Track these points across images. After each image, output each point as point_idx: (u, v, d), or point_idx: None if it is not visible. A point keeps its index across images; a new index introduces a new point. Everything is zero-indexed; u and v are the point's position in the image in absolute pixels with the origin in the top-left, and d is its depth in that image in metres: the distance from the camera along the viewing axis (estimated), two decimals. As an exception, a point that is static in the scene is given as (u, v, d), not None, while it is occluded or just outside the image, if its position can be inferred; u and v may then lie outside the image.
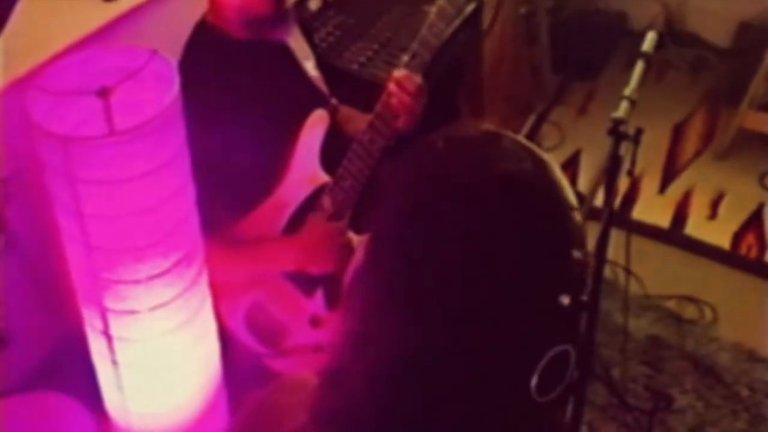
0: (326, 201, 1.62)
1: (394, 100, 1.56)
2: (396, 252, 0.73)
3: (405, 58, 1.58)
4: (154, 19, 1.80)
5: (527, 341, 0.72)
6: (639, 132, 1.42)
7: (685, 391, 2.22)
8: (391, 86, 1.57)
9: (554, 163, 0.77)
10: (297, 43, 1.65)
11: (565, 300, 0.71)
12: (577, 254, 0.73)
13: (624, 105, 1.43)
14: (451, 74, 2.25)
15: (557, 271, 0.73)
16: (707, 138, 3.02)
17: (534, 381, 0.71)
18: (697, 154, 2.97)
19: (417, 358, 0.71)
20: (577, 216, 0.75)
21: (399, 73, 1.57)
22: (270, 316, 1.63)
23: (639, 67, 1.51)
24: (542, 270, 0.72)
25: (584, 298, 0.73)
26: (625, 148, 1.40)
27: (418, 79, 1.57)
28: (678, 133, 3.06)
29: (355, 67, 2.04)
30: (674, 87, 3.24)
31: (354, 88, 1.93)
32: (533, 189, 0.74)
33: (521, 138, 0.78)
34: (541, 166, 0.76)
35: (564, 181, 0.76)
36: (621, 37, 3.28)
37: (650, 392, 2.18)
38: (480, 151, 0.75)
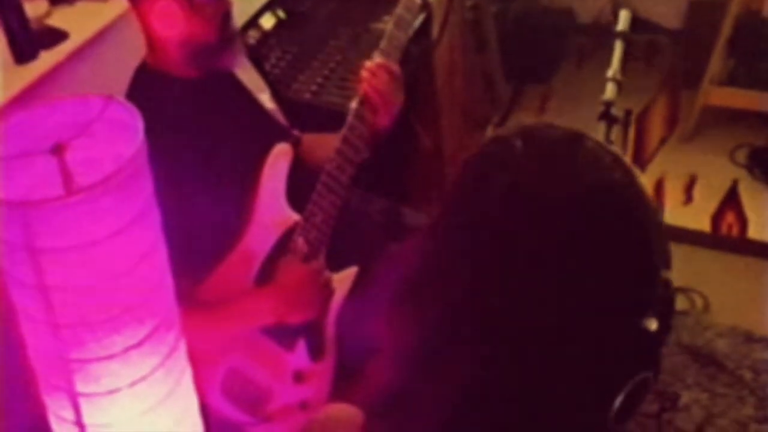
0: (299, 241, 1.58)
1: (371, 93, 1.53)
2: (462, 266, 0.70)
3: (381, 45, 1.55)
4: (84, 72, 1.74)
5: (608, 368, 0.69)
6: (629, 114, 1.44)
7: (688, 386, 2.22)
8: (365, 74, 1.54)
9: (637, 171, 0.73)
10: (248, 74, 1.65)
11: (652, 325, 0.68)
12: (665, 275, 0.71)
13: (611, 87, 1.46)
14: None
15: (645, 293, 0.70)
16: (672, 123, 3.06)
17: (614, 410, 0.69)
18: (664, 140, 3.00)
19: (490, 382, 0.68)
20: (664, 232, 0.72)
21: (372, 61, 1.54)
22: (249, 380, 1.58)
23: (618, 47, 1.56)
24: (629, 292, 0.69)
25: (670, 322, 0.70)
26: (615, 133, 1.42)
27: (393, 65, 1.55)
28: (641, 123, 3.09)
29: (307, 96, 2.02)
30: (631, 76, 3.26)
31: (309, 119, 1.91)
32: (623, 203, 0.70)
33: (602, 141, 0.74)
34: (630, 176, 0.72)
35: (649, 193, 0.73)
36: (570, 33, 3.32)
37: (653, 394, 2.17)
38: (564, 157, 0.71)
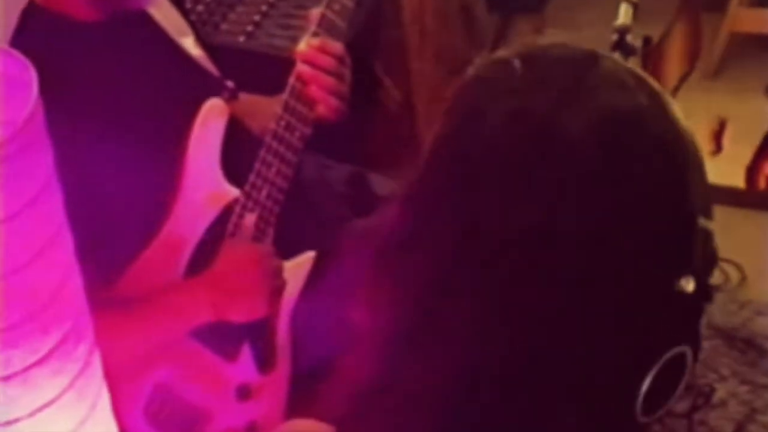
0: (245, 220, 1.58)
1: (311, 87, 1.54)
2: (456, 213, 0.71)
3: (318, 10, 1.55)
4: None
5: (635, 340, 0.69)
6: (648, 42, 1.45)
7: (723, 378, 2.24)
8: (302, 68, 1.54)
9: (670, 97, 0.73)
10: (166, 14, 1.60)
11: (689, 285, 0.69)
12: (703, 223, 0.71)
13: (625, 9, 1.46)
14: (362, 35, 2.23)
15: (680, 246, 0.70)
16: (693, 55, 3.08)
17: (641, 395, 0.69)
18: (684, 77, 3.02)
19: (490, 361, 0.69)
20: (704, 173, 0.72)
21: (309, 44, 1.54)
22: (181, 399, 1.58)
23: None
24: (661, 244, 0.69)
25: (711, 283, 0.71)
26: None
27: (337, 47, 1.55)
28: (656, 57, 3.10)
29: (240, 39, 2.02)
30: (643, 1, 3.30)
31: (245, 68, 1.89)
32: (651, 133, 0.70)
33: (627, 62, 0.75)
34: (659, 101, 0.72)
35: (685, 123, 0.72)
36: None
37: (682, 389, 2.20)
38: (576, 79, 0.71)
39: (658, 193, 0.70)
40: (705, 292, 0.71)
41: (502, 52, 0.76)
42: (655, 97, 0.72)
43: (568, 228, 0.68)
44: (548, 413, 0.69)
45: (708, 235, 0.72)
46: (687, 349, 0.71)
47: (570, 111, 0.69)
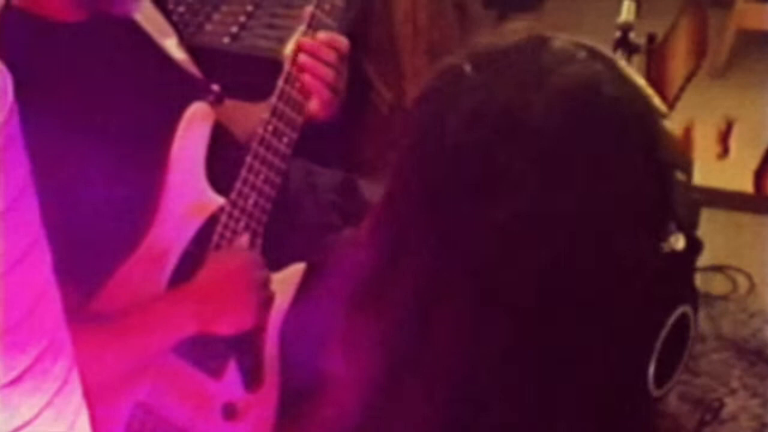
0: (229, 228, 1.58)
1: (307, 78, 1.55)
2: (428, 233, 0.72)
3: (309, 8, 1.56)
4: None
5: (634, 313, 0.70)
6: (652, 39, 1.46)
7: (732, 391, 2.24)
8: (303, 58, 1.55)
9: (622, 62, 0.77)
10: (148, 15, 1.60)
11: (678, 242, 0.70)
12: (681, 177, 0.73)
13: (628, 5, 1.47)
14: (352, 34, 2.24)
15: (661, 203, 0.72)
16: (699, 52, 3.08)
17: (652, 365, 0.70)
18: (690, 76, 3.02)
19: (484, 376, 0.71)
20: (669, 129, 0.74)
21: (315, 37, 1.56)
22: (163, 418, 1.57)
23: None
24: (641, 204, 0.71)
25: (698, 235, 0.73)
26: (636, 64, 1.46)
27: (344, 42, 1.58)
28: (661, 55, 3.11)
29: (225, 41, 2.03)
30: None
31: (230, 71, 1.93)
32: (611, 97, 0.73)
33: (583, 40, 0.77)
34: (614, 67, 0.75)
35: (646, 85, 0.75)
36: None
37: (689, 403, 2.20)
38: (527, 64, 0.73)
39: (630, 152, 0.72)
40: (694, 245, 0.73)
41: (449, 59, 0.78)
42: (608, 63, 0.75)
43: (548, 211, 0.69)
44: (556, 411, 0.71)
45: (687, 188, 0.74)
46: (688, 308, 0.72)
47: (528, 96, 0.71)
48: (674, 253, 0.71)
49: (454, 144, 0.72)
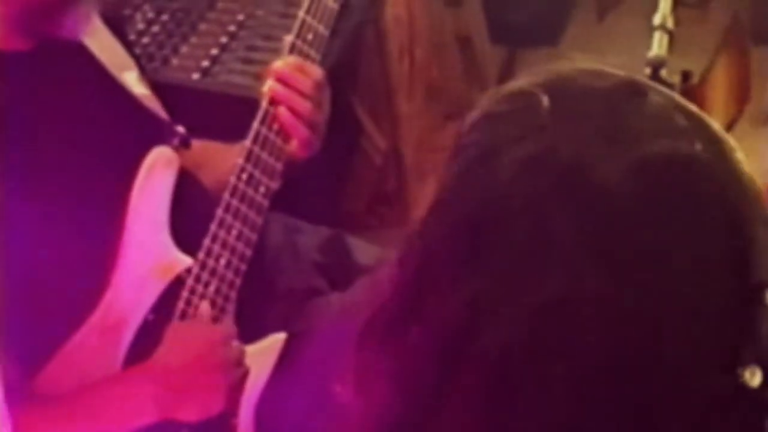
0: (195, 299, 1.57)
1: (281, 111, 1.55)
2: (464, 279, 0.71)
3: (289, 39, 1.58)
4: None
5: None
6: (687, 77, 1.47)
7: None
8: (274, 86, 1.55)
9: (732, 142, 0.73)
10: (104, 45, 1.61)
11: (754, 378, 0.68)
12: None
13: (659, 38, 1.48)
14: (339, 70, 2.25)
15: (742, 328, 0.69)
16: (741, 96, 3.10)
17: None
18: (731, 122, 3.03)
19: None
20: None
21: (284, 62, 1.57)
22: None
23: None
24: (716, 327, 0.69)
25: None
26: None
27: (316, 70, 1.58)
28: (697, 97, 3.12)
29: (195, 76, 2.04)
30: (680, 30, 3.33)
31: (199, 111, 1.93)
32: (706, 188, 0.70)
33: (680, 98, 0.75)
34: (719, 149, 0.72)
35: (750, 176, 0.72)
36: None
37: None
38: (612, 115, 0.72)
39: (715, 261, 0.69)
40: None
41: (519, 83, 0.76)
42: (713, 144, 0.72)
43: (599, 302, 0.67)
44: None
45: None
46: None
47: (606, 156, 0.69)
48: (746, 389, 0.68)
49: (507, 187, 0.71)
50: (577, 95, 0.74)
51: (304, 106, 1.57)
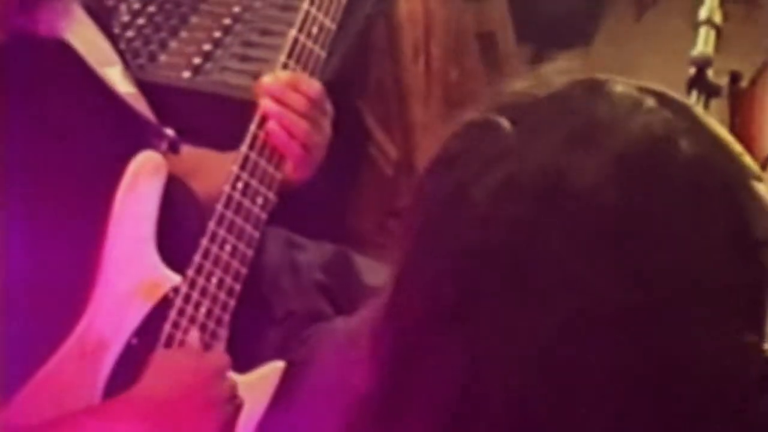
0: (183, 323, 1.57)
1: (274, 133, 1.56)
2: (445, 348, 0.72)
3: (292, 34, 1.58)
4: None
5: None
6: (736, 79, 1.46)
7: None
8: (266, 103, 1.56)
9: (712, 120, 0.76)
10: (88, 39, 1.62)
11: None
12: None
13: (705, 34, 1.47)
14: (347, 70, 2.26)
15: (756, 296, 0.71)
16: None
17: None
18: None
19: None
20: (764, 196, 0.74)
21: (276, 77, 1.57)
22: None
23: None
24: (729, 299, 0.71)
25: None
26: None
27: (313, 86, 1.58)
28: (748, 101, 3.10)
29: (185, 75, 2.04)
30: (729, 27, 3.33)
31: (190, 113, 1.93)
32: (685, 157, 0.72)
33: (650, 84, 0.77)
34: (694, 119, 0.75)
35: (733, 141, 0.75)
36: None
37: None
38: (577, 117, 0.74)
39: (713, 229, 0.71)
40: None
41: (476, 110, 0.78)
42: (684, 113, 0.75)
43: (617, 314, 0.69)
44: None
45: None
46: None
47: (579, 159, 0.71)
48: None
49: (481, 225, 0.72)
50: (535, 107, 0.76)
51: (299, 125, 1.57)
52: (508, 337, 0.70)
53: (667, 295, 0.69)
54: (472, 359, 0.71)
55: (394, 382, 0.76)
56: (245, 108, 1.63)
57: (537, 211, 0.71)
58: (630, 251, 0.69)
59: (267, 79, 1.58)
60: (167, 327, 1.57)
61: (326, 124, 1.62)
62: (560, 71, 0.80)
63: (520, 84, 0.79)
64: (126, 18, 2.15)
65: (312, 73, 1.60)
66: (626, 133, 0.72)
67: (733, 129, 1.55)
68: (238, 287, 1.58)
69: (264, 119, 1.58)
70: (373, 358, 0.78)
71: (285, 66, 1.59)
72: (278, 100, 1.57)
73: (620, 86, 0.76)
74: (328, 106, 1.63)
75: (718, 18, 1.60)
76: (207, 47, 2.08)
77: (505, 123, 0.74)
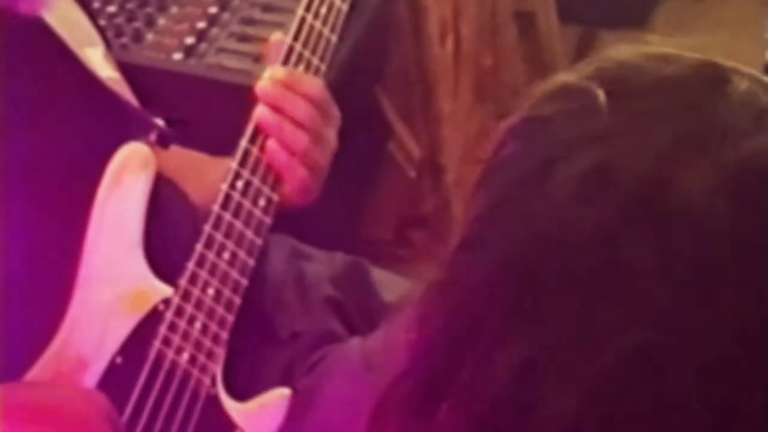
0: (177, 331, 1.58)
1: (268, 144, 1.55)
2: (497, 357, 0.72)
3: (299, 14, 1.58)
4: None
5: None
6: None
7: None
8: (261, 112, 1.56)
9: None
10: (68, 18, 1.63)
11: None
12: None
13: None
14: (363, 56, 2.26)
15: None
16: None
17: None
18: None
19: None
20: None
21: (272, 77, 1.56)
22: None
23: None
24: None
25: None
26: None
27: (315, 85, 1.58)
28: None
29: (177, 57, 2.05)
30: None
31: (182, 102, 1.94)
32: None
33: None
34: None
35: None
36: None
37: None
38: (690, 112, 0.72)
39: None
40: None
41: (565, 76, 0.77)
42: None
43: (692, 348, 0.69)
44: None
45: None
46: None
47: (687, 166, 0.70)
48: None
49: (562, 213, 0.72)
50: (642, 88, 0.75)
51: (297, 138, 1.56)
52: (567, 351, 0.71)
53: (757, 343, 0.69)
54: (524, 367, 0.71)
55: (437, 373, 0.76)
56: (244, 95, 1.61)
57: (625, 214, 0.70)
58: (725, 289, 0.69)
59: (262, 83, 1.56)
60: (156, 344, 1.58)
61: (332, 136, 1.61)
62: (680, 46, 0.78)
63: (629, 52, 0.78)
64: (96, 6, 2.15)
65: (322, 60, 1.59)
66: (744, 146, 0.71)
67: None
68: (237, 301, 1.58)
69: (257, 132, 1.57)
70: (418, 347, 0.78)
71: (290, 51, 1.58)
72: (274, 107, 1.56)
73: (745, 82, 0.74)
74: (334, 111, 1.62)
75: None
76: (201, 25, 2.09)
77: (601, 96, 0.73)
